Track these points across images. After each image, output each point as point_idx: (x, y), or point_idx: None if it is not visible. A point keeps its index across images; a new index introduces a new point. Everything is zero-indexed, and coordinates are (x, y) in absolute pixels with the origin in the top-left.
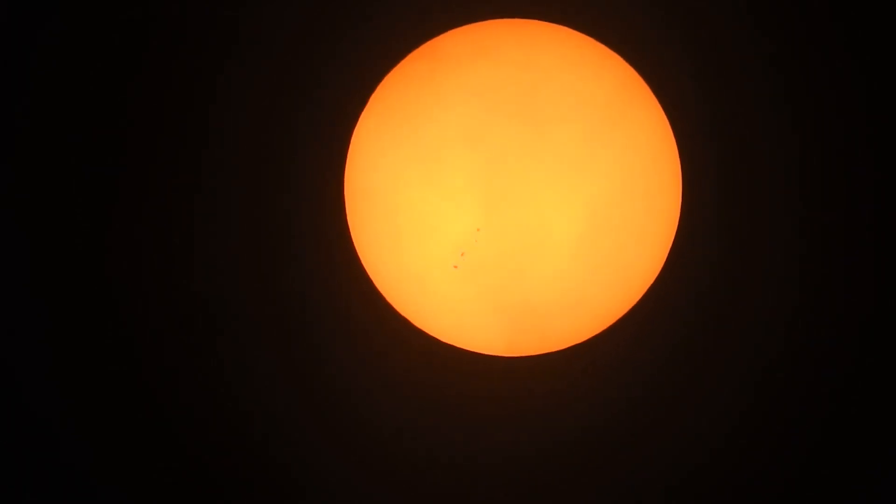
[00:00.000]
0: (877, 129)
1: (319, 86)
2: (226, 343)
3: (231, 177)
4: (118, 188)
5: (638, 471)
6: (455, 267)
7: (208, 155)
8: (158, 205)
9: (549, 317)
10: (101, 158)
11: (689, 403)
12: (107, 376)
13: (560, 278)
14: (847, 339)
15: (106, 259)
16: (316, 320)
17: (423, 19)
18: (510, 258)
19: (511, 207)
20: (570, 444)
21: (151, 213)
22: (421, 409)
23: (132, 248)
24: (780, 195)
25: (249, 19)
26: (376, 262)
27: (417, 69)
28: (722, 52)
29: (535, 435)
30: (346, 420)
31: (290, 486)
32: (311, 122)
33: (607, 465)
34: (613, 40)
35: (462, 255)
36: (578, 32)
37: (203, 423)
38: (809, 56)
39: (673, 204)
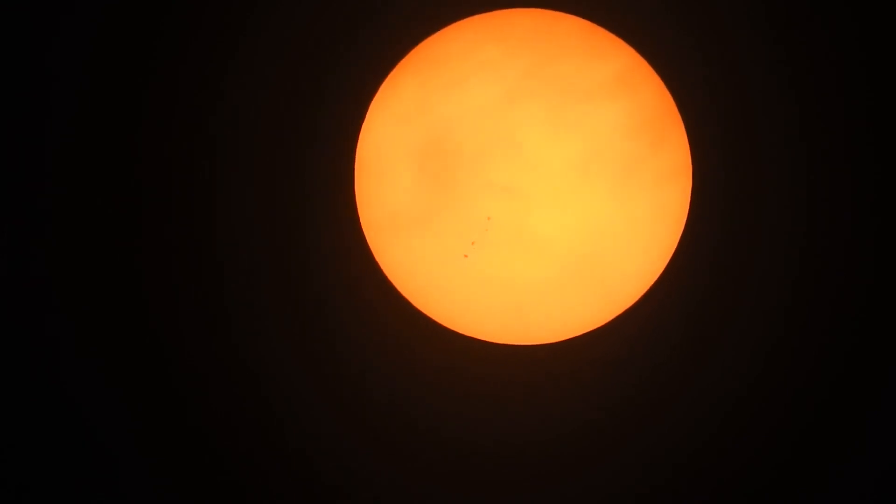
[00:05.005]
0: (884, 131)
1: (324, 85)
2: (241, 334)
3: (245, 173)
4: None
5: (641, 460)
6: (465, 256)
7: (216, 161)
8: (182, 202)
9: (555, 307)
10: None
11: (690, 397)
12: (129, 369)
13: (567, 269)
14: (847, 340)
15: (116, 255)
16: (328, 311)
17: (432, 11)
18: (519, 248)
19: (520, 198)
20: (574, 432)
21: (175, 212)
22: (429, 395)
23: (141, 247)
24: (785, 195)
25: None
26: (387, 254)
27: (422, 63)
28: (731, 46)
29: (543, 421)
30: (356, 405)
31: (305, 469)
32: (320, 116)
33: (610, 454)
34: (629, 36)
35: (472, 244)
36: (590, 22)
37: (222, 414)
38: (817, 52)
39: (682, 194)
